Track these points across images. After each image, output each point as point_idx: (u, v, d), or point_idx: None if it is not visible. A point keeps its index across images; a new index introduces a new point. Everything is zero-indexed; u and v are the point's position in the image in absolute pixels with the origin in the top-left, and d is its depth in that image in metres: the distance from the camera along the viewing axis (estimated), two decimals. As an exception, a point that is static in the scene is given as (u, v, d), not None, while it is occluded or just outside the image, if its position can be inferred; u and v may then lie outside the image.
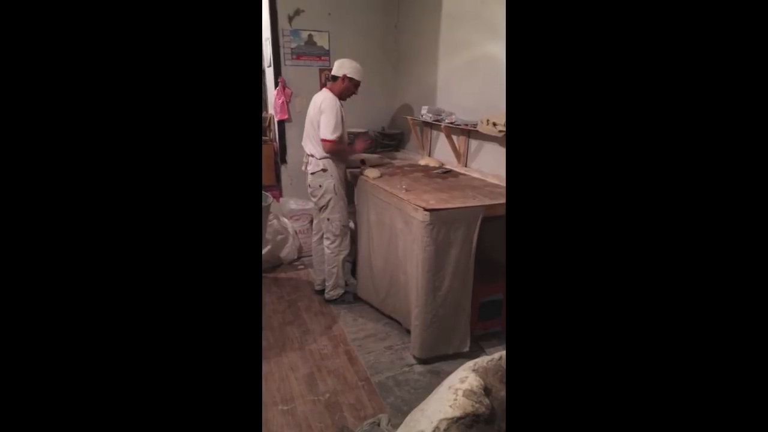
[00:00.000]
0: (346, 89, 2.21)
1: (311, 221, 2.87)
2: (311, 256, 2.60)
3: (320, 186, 2.21)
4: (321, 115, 2.11)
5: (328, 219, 2.26)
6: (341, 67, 2.19)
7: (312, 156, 2.22)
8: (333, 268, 2.34)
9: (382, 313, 2.26)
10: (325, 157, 2.18)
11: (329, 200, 2.23)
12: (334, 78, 2.21)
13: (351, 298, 2.44)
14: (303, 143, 2.29)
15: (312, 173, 2.22)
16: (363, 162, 2.54)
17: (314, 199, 2.28)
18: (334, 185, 2.21)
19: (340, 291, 2.40)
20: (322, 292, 2.46)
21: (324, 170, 2.19)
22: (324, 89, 2.24)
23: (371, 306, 2.35)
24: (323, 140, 2.13)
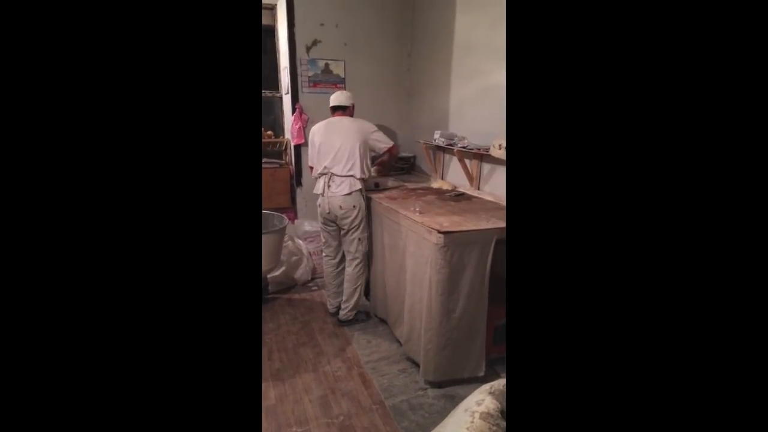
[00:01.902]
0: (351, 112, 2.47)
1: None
2: (323, 277, 2.62)
3: (354, 207, 2.25)
4: (372, 134, 2.34)
5: (359, 239, 2.31)
6: (350, 97, 2.43)
7: (351, 176, 2.24)
8: (356, 288, 2.38)
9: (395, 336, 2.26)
10: (360, 178, 2.26)
11: (362, 219, 2.29)
12: (344, 108, 2.40)
13: (364, 316, 2.47)
14: (330, 165, 2.26)
15: (348, 194, 2.24)
16: (377, 185, 2.60)
17: (346, 221, 2.27)
18: (364, 205, 2.31)
19: (355, 312, 2.43)
20: (337, 313, 2.47)
21: (360, 190, 2.27)
22: (344, 117, 2.37)
23: (387, 324, 2.36)
24: (391, 148, 2.42)
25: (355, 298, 2.39)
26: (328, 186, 2.26)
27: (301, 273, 2.94)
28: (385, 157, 2.54)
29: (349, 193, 2.24)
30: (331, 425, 1.64)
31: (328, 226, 2.37)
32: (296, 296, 2.80)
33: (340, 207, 2.25)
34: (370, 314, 2.51)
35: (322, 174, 2.31)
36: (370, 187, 2.54)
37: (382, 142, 2.37)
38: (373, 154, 2.41)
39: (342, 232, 2.34)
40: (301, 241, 3.01)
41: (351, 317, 2.42)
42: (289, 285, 2.91)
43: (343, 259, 2.43)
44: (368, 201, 2.42)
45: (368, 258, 2.49)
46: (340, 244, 2.42)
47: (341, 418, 1.68)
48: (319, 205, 2.34)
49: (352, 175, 2.24)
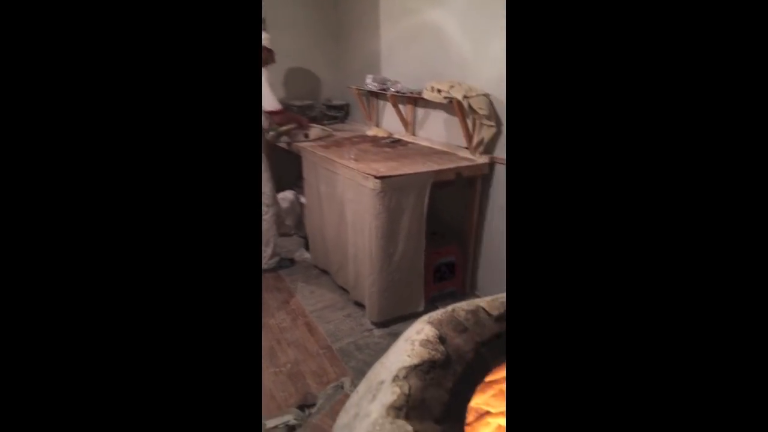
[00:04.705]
0: (264, 60, 2.25)
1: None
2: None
3: None
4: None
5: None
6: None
7: None
8: (270, 238, 2.39)
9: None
10: None
11: None
12: None
13: (288, 263, 2.54)
14: None
15: None
16: (306, 136, 2.51)
17: None
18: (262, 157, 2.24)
19: (277, 258, 2.47)
20: None
21: None
22: None
23: (329, 275, 2.38)
24: (271, 112, 2.17)
25: (271, 247, 2.42)
26: None
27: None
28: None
29: None
30: (279, 374, 1.66)
31: None
32: (234, 255, 2.71)
33: None
34: (295, 260, 2.60)
35: None
36: (299, 138, 2.46)
37: (265, 102, 2.16)
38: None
39: None
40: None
41: (273, 265, 2.46)
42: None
43: None
44: (299, 151, 2.34)
45: (298, 209, 2.45)
46: None
47: (288, 365, 1.71)
48: None
49: None
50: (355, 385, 1.51)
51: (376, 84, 2.56)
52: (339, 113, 3.21)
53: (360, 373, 1.65)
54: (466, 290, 2.23)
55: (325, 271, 2.43)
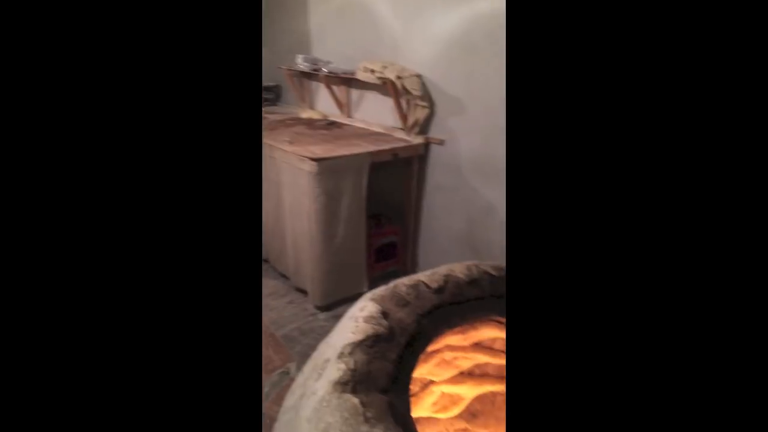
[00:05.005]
0: None
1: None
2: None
3: None
4: None
5: None
6: None
7: None
8: None
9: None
10: None
11: None
12: None
13: None
14: None
15: None
16: None
17: None
18: None
19: None
20: None
21: None
22: None
23: (268, 263, 2.31)
24: None
25: None
26: None
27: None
28: None
29: None
30: (222, 366, 1.61)
31: None
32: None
33: None
34: None
35: None
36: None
37: None
38: None
39: None
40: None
41: None
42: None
43: None
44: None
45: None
46: None
47: (231, 357, 1.66)
48: None
49: None
50: (300, 369, 1.50)
51: (307, 64, 2.49)
52: (270, 95, 3.08)
53: (306, 358, 1.64)
54: (408, 269, 2.29)
55: (264, 260, 2.36)
